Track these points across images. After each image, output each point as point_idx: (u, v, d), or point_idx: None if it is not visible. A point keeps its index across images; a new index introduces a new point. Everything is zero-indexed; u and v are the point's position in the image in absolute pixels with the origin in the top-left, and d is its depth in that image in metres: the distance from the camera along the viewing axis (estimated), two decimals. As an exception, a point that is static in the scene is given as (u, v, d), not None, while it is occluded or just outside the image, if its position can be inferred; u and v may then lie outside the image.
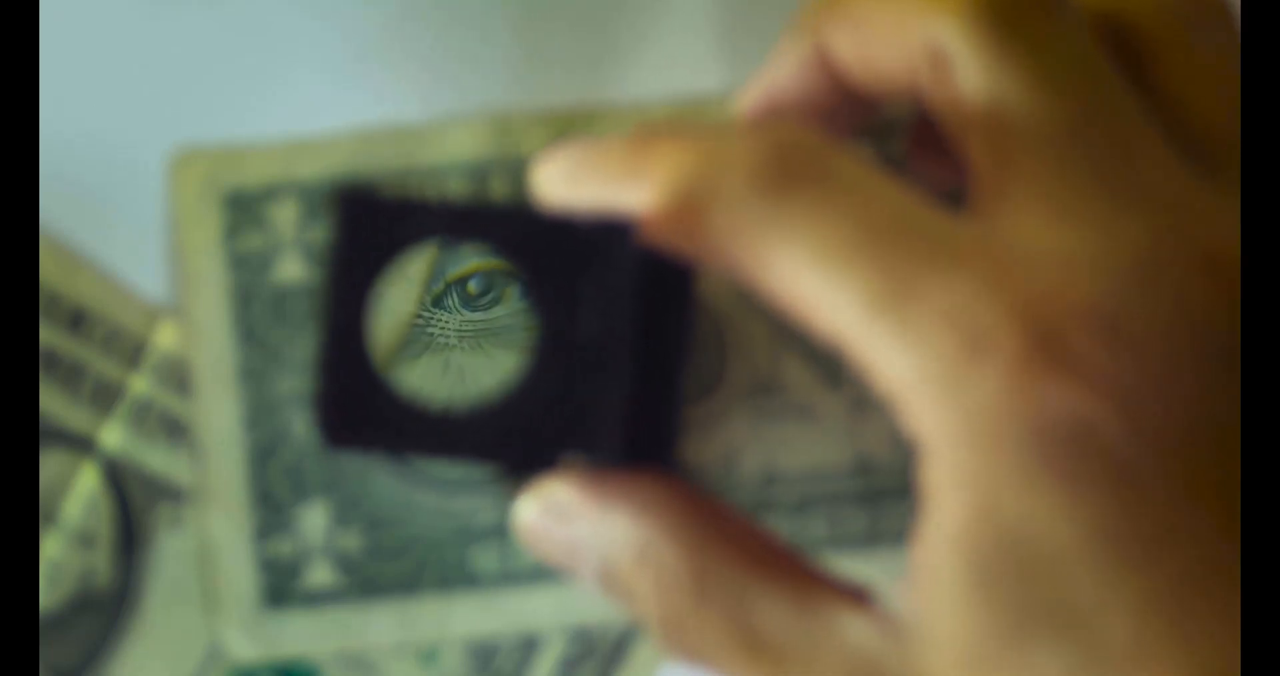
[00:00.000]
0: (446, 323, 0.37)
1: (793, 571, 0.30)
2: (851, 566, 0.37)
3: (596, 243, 0.30)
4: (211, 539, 0.37)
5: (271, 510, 0.37)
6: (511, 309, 0.37)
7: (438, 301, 0.37)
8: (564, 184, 0.31)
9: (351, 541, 0.37)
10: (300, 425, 0.37)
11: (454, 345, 0.37)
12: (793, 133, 0.29)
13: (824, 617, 0.29)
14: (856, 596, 0.30)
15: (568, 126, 0.37)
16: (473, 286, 0.37)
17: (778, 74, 0.32)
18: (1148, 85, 0.30)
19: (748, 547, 0.30)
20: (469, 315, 0.37)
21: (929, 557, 0.28)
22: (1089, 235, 0.28)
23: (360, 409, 0.30)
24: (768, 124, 0.30)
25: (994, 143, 0.29)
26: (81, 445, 0.38)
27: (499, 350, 0.37)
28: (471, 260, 0.37)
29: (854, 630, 0.29)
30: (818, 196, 0.28)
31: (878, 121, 0.36)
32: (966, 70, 0.29)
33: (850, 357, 0.28)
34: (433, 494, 0.37)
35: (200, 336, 0.37)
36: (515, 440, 0.30)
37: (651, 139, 0.30)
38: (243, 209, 0.37)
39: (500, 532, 0.37)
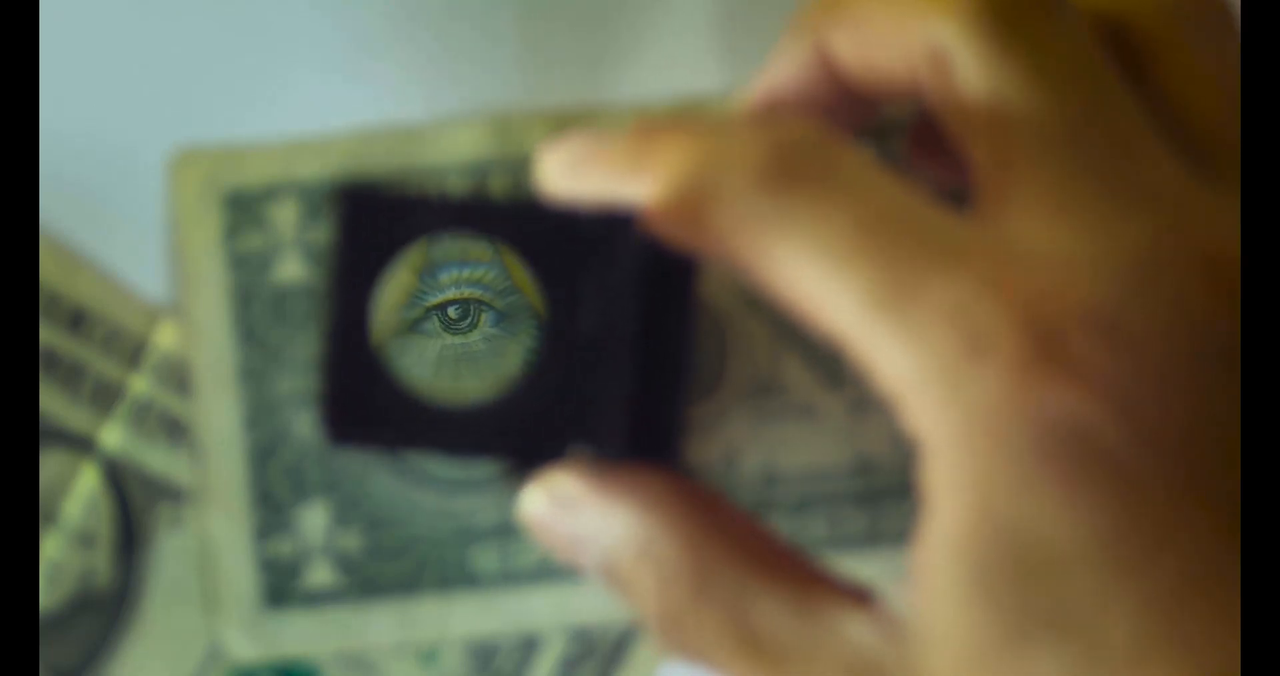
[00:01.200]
0: (427, 347, 0.37)
1: (793, 570, 0.30)
2: (851, 566, 0.37)
3: (599, 237, 0.30)
4: (211, 539, 0.37)
5: (271, 510, 0.37)
6: (486, 334, 0.37)
7: (417, 326, 0.37)
8: (567, 176, 0.31)
9: (351, 541, 0.37)
10: (300, 425, 0.37)
11: (434, 369, 0.37)
12: (796, 128, 0.29)
13: (824, 617, 0.29)
14: (857, 596, 0.30)
15: (567, 126, 0.37)
16: (453, 312, 0.37)
17: (778, 73, 0.32)
18: (1148, 86, 0.30)
19: (749, 546, 0.30)
20: (450, 339, 0.37)
21: (929, 558, 0.28)
22: (1089, 236, 0.28)
23: (364, 405, 0.30)
24: (772, 119, 0.30)
25: (995, 143, 0.29)
26: (81, 445, 0.37)
27: (475, 373, 0.37)
28: (450, 287, 0.37)
29: (854, 630, 0.29)
30: (820, 193, 0.28)
31: (878, 121, 0.36)
32: (967, 70, 0.29)
33: (851, 356, 0.28)
34: (433, 494, 0.37)
35: (200, 336, 0.37)
36: (519, 435, 0.30)
37: (654, 132, 0.30)
38: (243, 209, 0.37)
39: (500, 532, 0.37)
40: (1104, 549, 0.27)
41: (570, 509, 0.31)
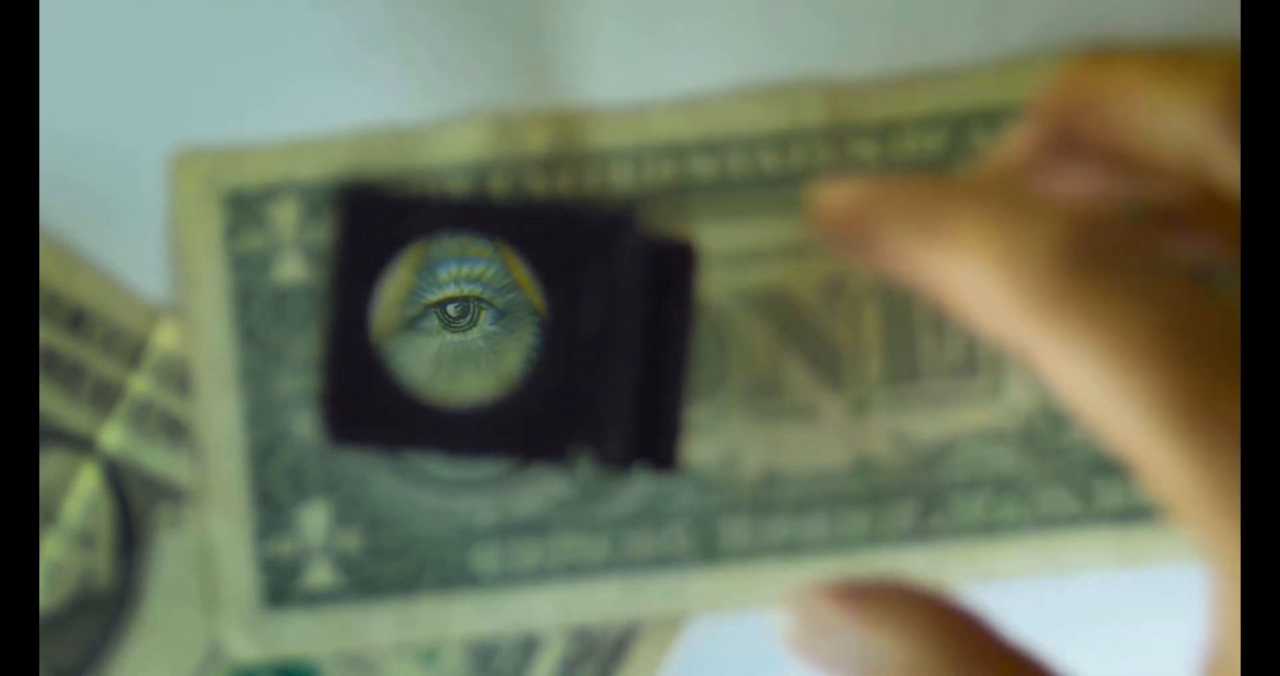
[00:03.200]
0: (426, 344, 0.37)
1: None
2: (852, 566, 0.37)
3: (599, 237, 0.30)
4: (211, 539, 0.37)
5: (271, 510, 0.37)
6: (485, 331, 0.37)
7: (416, 323, 0.37)
8: (848, 221, 0.30)
9: (351, 541, 0.37)
10: (300, 425, 0.37)
11: (434, 366, 0.37)
12: (1103, 213, 0.28)
13: None
14: None
15: (568, 127, 0.37)
16: (452, 309, 0.37)
17: (1017, 146, 0.32)
18: None
19: (1008, 663, 0.30)
20: (449, 336, 0.37)
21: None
22: None
23: (364, 405, 0.30)
24: (1076, 203, 0.29)
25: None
26: (81, 445, 0.38)
27: (475, 369, 0.37)
28: (449, 285, 0.37)
29: None
30: (1123, 285, 0.27)
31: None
32: (1224, 166, 0.29)
33: (1128, 458, 0.28)
34: (433, 494, 0.37)
35: (200, 336, 0.37)
36: (520, 435, 0.30)
37: (950, 194, 0.29)
38: (243, 209, 0.37)
39: (500, 532, 0.37)
40: None
41: (828, 633, 0.31)
